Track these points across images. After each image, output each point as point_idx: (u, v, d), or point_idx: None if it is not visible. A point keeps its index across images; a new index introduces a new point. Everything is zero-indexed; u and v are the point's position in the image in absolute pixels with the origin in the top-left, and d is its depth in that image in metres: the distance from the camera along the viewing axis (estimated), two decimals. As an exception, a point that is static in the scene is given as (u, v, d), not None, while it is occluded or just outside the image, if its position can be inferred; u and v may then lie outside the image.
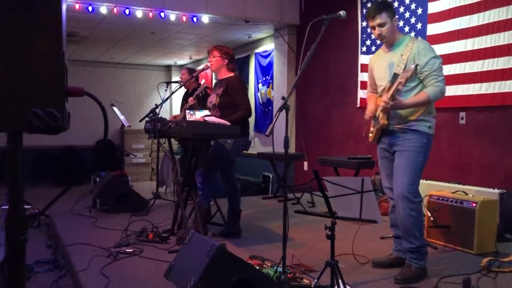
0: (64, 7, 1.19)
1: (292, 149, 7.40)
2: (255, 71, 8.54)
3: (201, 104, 4.78)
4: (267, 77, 8.14)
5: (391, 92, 2.85)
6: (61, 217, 4.64)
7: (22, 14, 1.07)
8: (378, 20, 2.94)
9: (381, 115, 2.98)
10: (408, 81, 2.82)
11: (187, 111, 4.22)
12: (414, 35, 5.16)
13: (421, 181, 4.66)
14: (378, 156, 3.20)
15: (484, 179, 4.48)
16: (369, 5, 5.24)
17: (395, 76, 2.90)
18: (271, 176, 7.27)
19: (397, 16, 3.03)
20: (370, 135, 3.14)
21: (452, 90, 4.74)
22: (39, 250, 3.84)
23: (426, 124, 2.94)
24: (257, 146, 8.25)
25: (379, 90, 3.09)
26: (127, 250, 3.41)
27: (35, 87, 1.06)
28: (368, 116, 3.11)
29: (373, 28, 3.01)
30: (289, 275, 2.64)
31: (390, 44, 3.04)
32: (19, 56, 1.07)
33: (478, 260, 3.19)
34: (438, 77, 2.88)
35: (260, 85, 8.36)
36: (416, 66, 2.81)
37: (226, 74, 4.02)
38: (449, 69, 4.75)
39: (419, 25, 5.12)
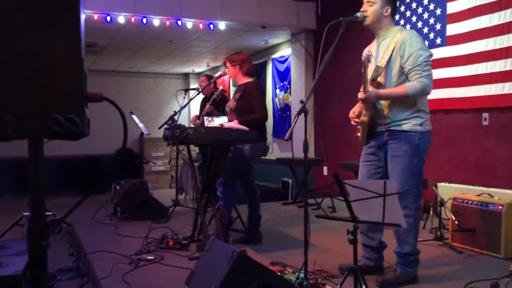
0: (83, 17, 1.20)
1: (311, 154, 7.35)
2: (273, 77, 8.53)
3: (219, 108, 4.79)
4: (284, 82, 8.12)
5: (366, 87, 2.73)
6: (83, 226, 4.69)
7: (45, 25, 1.09)
8: None
9: (363, 112, 2.88)
10: (393, 76, 2.73)
11: (205, 118, 4.23)
12: (434, 35, 5.09)
13: (444, 184, 4.66)
14: (360, 158, 3.05)
15: (510, 181, 4.37)
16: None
17: (377, 69, 2.77)
18: (290, 181, 7.23)
19: (389, 9, 2.84)
20: (359, 134, 2.99)
21: (474, 91, 4.65)
22: (62, 258, 3.87)
23: (416, 122, 2.77)
24: (275, 151, 8.22)
25: None
26: (148, 257, 3.42)
27: (56, 93, 1.07)
28: (350, 116, 2.99)
29: (363, 4, 2.89)
30: (311, 281, 2.60)
31: (376, 30, 2.91)
32: (41, 64, 1.08)
33: (506, 264, 3.10)
34: (422, 73, 2.68)
35: (277, 90, 8.35)
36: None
37: (243, 79, 4.04)
38: (471, 70, 4.67)
39: (438, 26, 5.05)
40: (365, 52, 3.06)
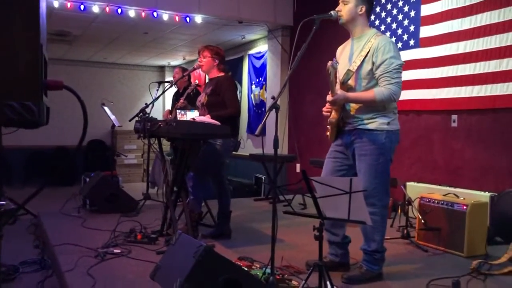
0: (43, 1, 1.16)
1: (284, 151, 7.38)
2: (249, 73, 8.52)
3: (193, 103, 4.75)
4: (260, 78, 8.12)
5: (334, 91, 2.75)
6: (50, 218, 4.59)
7: (0, 8, 1.04)
8: None
9: (333, 113, 2.90)
10: (364, 80, 2.76)
11: (178, 111, 4.19)
12: (407, 37, 5.17)
13: (412, 183, 4.75)
14: (327, 155, 3.07)
15: (476, 182, 4.48)
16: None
17: (348, 73, 2.79)
18: (263, 178, 7.24)
19: (363, 8, 2.85)
20: (328, 133, 3.02)
21: (444, 93, 4.75)
22: (26, 251, 3.79)
23: (383, 121, 2.80)
24: (249, 147, 8.22)
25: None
26: (115, 250, 3.37)
27: (11, 79, 1.03)
28: (324, 112, 3.00)
29: (339, 1, 2.90)
30: (278, 277, 2.62)
31: (351, 30, 2.92)
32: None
33: (468, 263, 3.18)
34: (391, 80, 2.72)
35: (253, 86, 8.34)
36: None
37: (216, 74, 4.01)
38: (442, 72, 4.76)
39: (412, 28, 5.12)
40: (338, 56, 3.07)
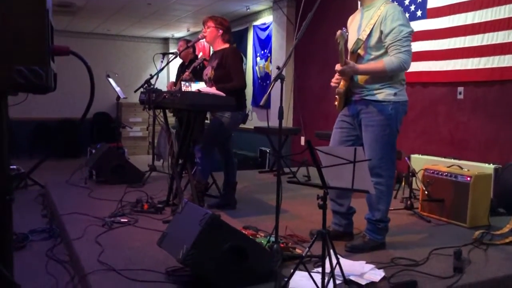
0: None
1: (289, 124, 7.38)
2: (253, 45, 8.44)
3: (199, 77, 4.73)
4: (265, 50, 8.05)
5: (342, 60, 2.72)
6: (57, 188, 4.66)
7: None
8: None
9: (341, 82, 2.89)
10: (373, 49, 2.74)
11: (182, 83, 4.18)
12: (414, 8, 5.09)
13: (417, 155, 4.76)
14: (334, 125, 3.07)
15: (481, 154, 4.49)
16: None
17: (358, 42, 2.75)
18: (268, 150, 7.27)
19: None
20: (336, 103, 3.01)
21: (451, 65, 4.70)
22: (35, 220, 3.86)
23: (390, 92, 2.78)
24: (255, 120, 8.22)
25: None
26: (121, 220, 3.43)
27: (18, 44, 1.03)
28: (332, 83, 2.99)
29: None
30: (282, 245, 2.66)
31: (362, 1, 2.88)
32: (1, 13, 1.04)
33: (470, 233, 3.22)
34: (401, 48, 2.69)
35: (258, 58, 8.28)
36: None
37: (221, 45, 3.97)
38: (449, 43, 4.71)
39: (419, -2, 5.04)
40: (349, 26, 3.03)
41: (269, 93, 2.59)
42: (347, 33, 2.81)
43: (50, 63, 1.12)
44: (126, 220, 3.43)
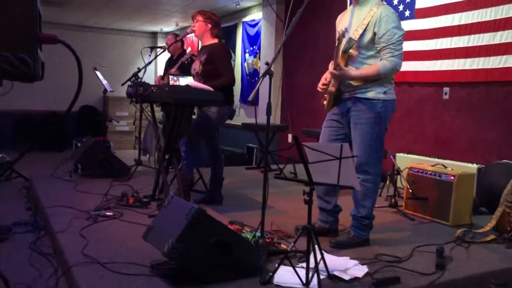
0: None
1: (277, 121, 7.40)
2: (243, 41, 8.44)
3: (187, 72, 4.71)
4: (254, 47, 8.05)
5: (337, 61, 2.75)
6: (42, 181, 4.60)
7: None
8: None
9: (332, 82, 2.92)
10: (365, 49, 2.76)
11: (170, 77, 4.16)
12: (403, 7, 5.13)
13: (402, 154, 4.81)
14: (323, 124, 3.10)
15: (465, 154, 4.55)
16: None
17: (350, 41, 2.77)
18: (255, 148, 7.28)
19: None
20: (325, 102, 3.04)
21: (437, 65, 4.76)
22: (19, 212, 3.81)
23: (380, 90, 2.82)
24: (242, 117, 8.23)
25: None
26: (107, 213, 3.41)
27: (5, 30, 1.02)
28: (319, 88, 3.02)
29: None
30: (267, 240, 2.67)
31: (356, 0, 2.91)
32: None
33: (453, 231, 3.27)
34: (394, 51, 2.74)
35: (247, 55, 8.28)
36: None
37: (210, 40, 3.96)
38: (436, 44, 4.76)
39: (408, -2, 5.09)
40: (338, 25, 3.06)
41: (258, 89, 2.59)
42: (347, 32, 2.84)
43: (38, 51, 1.11)
44: (111, 213, 3.41)
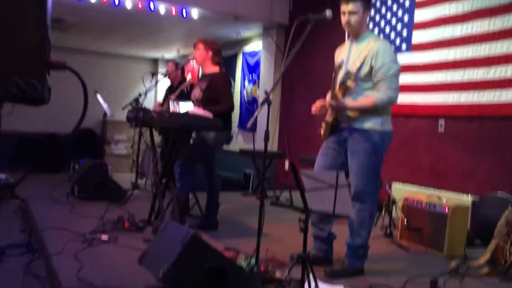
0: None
1: (274, 148, 7.44)
2: (242, 69, 8.56)
3: (186, 98, 4.77)
4: (253, 75, 8.17)
5: (334, 91, 2.82)
6: (38, 203, 4.61)
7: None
8: (350, 7, 2.83)
9: (329, 111, 2.98)
10: (362, 81, 2.82)
11: (170, 102, 4.22)
12: (399, 41, 5.26)
13: (398, 185, 4.83)
14: (319, 152, 3.12)
15: (459, 185, 4.58)
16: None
17: (348, 74, 2.85)
18: (252, 173, 7.29)
19: (368, 14, 2.97)
20: (322, 131, 3.08)
21: (433, 98, 4.84)
22: (13, 234, 3.79)
23: (376, 121, 2.87)
24: (240, 143, 8.26)
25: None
26: (102, 237, 3.40)
27: (17, 56, 1.07)
28: (313, 112, 3.07)
29: (343, 14, 2.89)
30: (262, 268, 2.67)
31: (355, 35, 2.97)
32: (4, 26, 1.07)
33: (447, 263, 3.26)
34: (390, 85, 2.80)
35: (246, 82, 8.39)
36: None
37: (211, 67, 4.05)
38: (431, 77, 4.85)
39: (404, 32, 5.21)
40: (337, 57, 3.15)
41: (256, 117, 2.65)
42: (344, 64, 2.91)
43: (46, 76, 1.16)
44: (106, 237, 3.40)
